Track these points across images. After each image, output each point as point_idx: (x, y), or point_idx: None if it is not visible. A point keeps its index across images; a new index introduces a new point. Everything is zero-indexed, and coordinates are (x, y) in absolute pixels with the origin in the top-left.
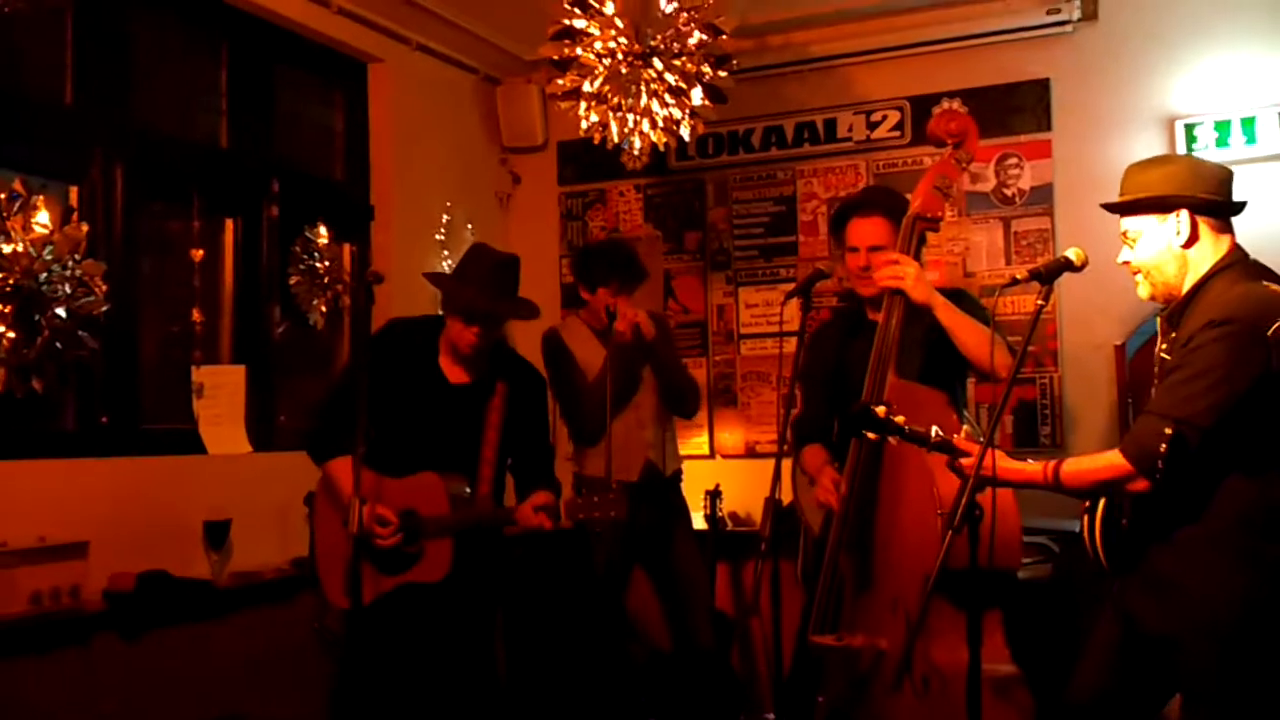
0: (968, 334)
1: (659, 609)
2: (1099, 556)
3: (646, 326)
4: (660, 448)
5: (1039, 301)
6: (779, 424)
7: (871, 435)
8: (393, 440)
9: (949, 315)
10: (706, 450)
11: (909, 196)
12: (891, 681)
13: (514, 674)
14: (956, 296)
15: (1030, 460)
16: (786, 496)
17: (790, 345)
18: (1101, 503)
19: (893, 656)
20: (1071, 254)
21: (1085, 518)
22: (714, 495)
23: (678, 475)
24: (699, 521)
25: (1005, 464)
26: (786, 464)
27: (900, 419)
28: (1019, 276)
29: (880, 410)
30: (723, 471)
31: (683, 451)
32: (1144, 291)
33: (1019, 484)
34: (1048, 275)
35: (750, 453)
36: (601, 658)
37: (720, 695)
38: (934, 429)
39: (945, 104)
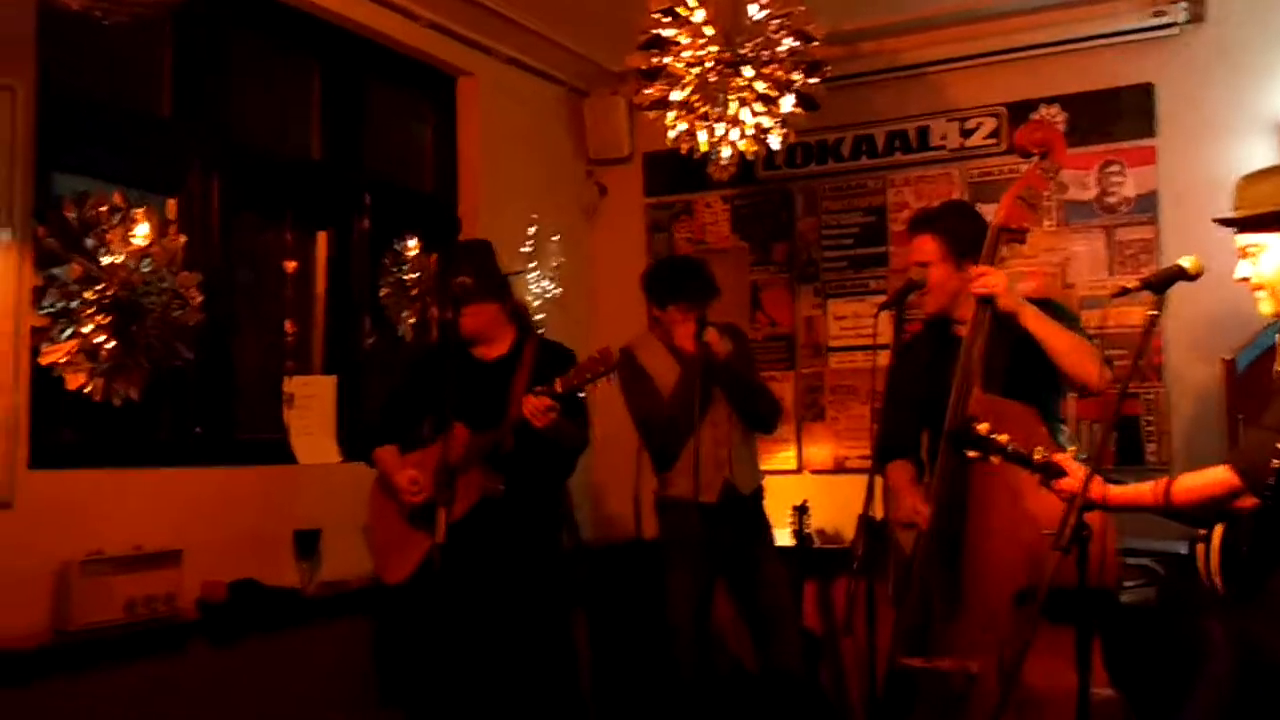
0: (1059, 342)
1: (744, 627)
2: (1215, 583)
3: (717, 345)
4: (739, 466)
5: (1151, 312)
6: (872, 439)
7: (971, 454)
8: (445, 421)
9: (1039, 324)
10: (794, 465)
11: (983, 210)
12: (987, 707)
13: (598, 683)
14: (1043, 306)
15: (1132, 482)
16: (880, 513)
17: (883, 359)
18: (1219, 527)
19: (984, 679)
20: (1186, 262)
21: (1201, 544)
22: (801, 511)
23: (759, 493)
24: (786, 538)
25: (1112, 491)
26: (879, 481)
27: (1004, 438)
28: (1129, 286)
29: (982, 428)
30: (810, 487)
31: (769, 466)
32: (1267, 308)
33: (1126, 507)
34: (1160, 284)
35: (839, 468)
36: (680, 671)
37: (808, 716)
38: (1039, 449)
39: (1043, 110)
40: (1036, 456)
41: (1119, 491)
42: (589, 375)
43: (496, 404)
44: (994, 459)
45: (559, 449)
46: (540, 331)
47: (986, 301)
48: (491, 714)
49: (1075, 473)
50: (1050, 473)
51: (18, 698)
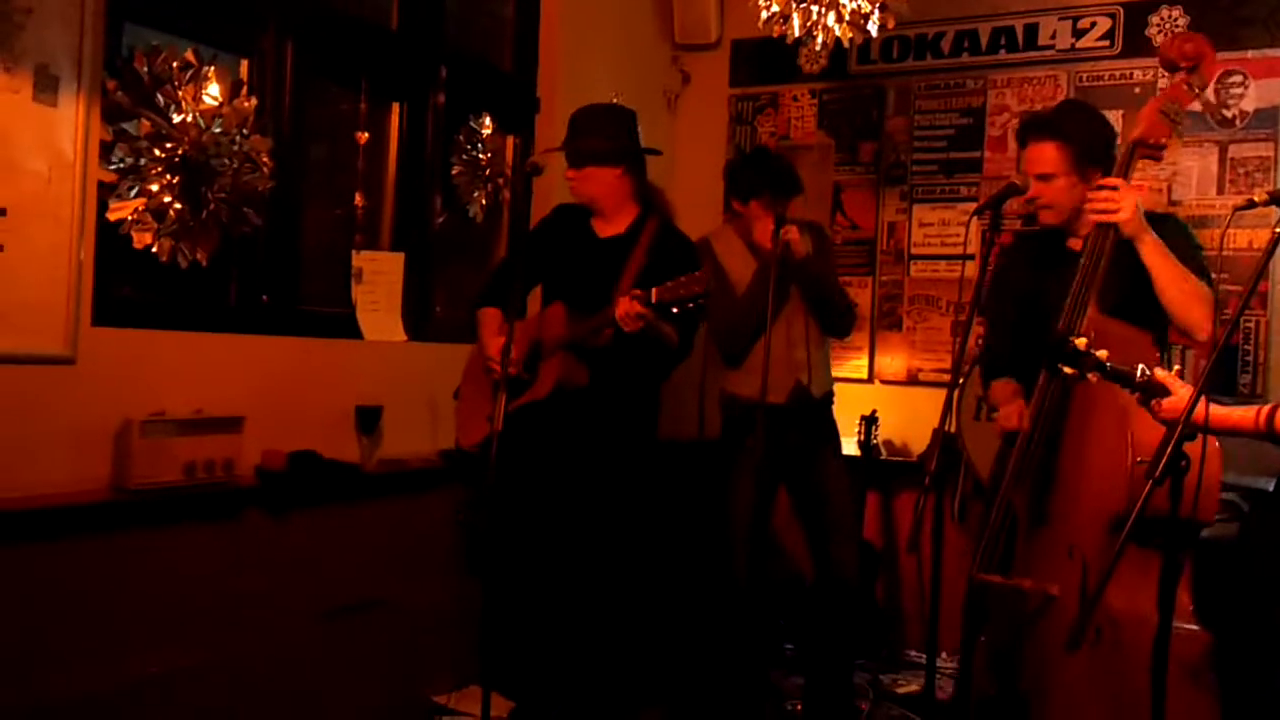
0: (1171, 283)
1: (802, 535)
2: None
3: (797, 244)
4: (811, 369)
5: (1277, 230)
6: (954, 353)
7: (1068, 370)
8: (554, 294)
9: (1156, 259)
10: (865, 375)
11: (1107, 115)
12: (1064, 631)
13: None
14: (1161, 222)
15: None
16: (954, 429)
17: (971, 269)
18: None
19: (1064, 603)
20: None
21: None
22: (869, 421)
23: (829, 398)
24: (851, 447)
25: (1216, 411)
26: (956, 395)
27: (1103, 354)
28: (1256, 199)
29: (1080, 342)
30: (881, 397)
31: (841, 374)
32: None
33: (1226, 431)
34: None
35: (912, 380)
36: (736, 575)
37: (863, 628)
38: (1140, 367)
39: (1164, 11)
40: (1138, 375)
41: (1222, 413)
42: (684, 294)
43: (603, 285)
44: (1091, 376)
45: (654, 352)
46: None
47: (1107, 225)
48: (554, 599)
49: (1179, 393)
50: (1152, 391)
51: (75, 549)
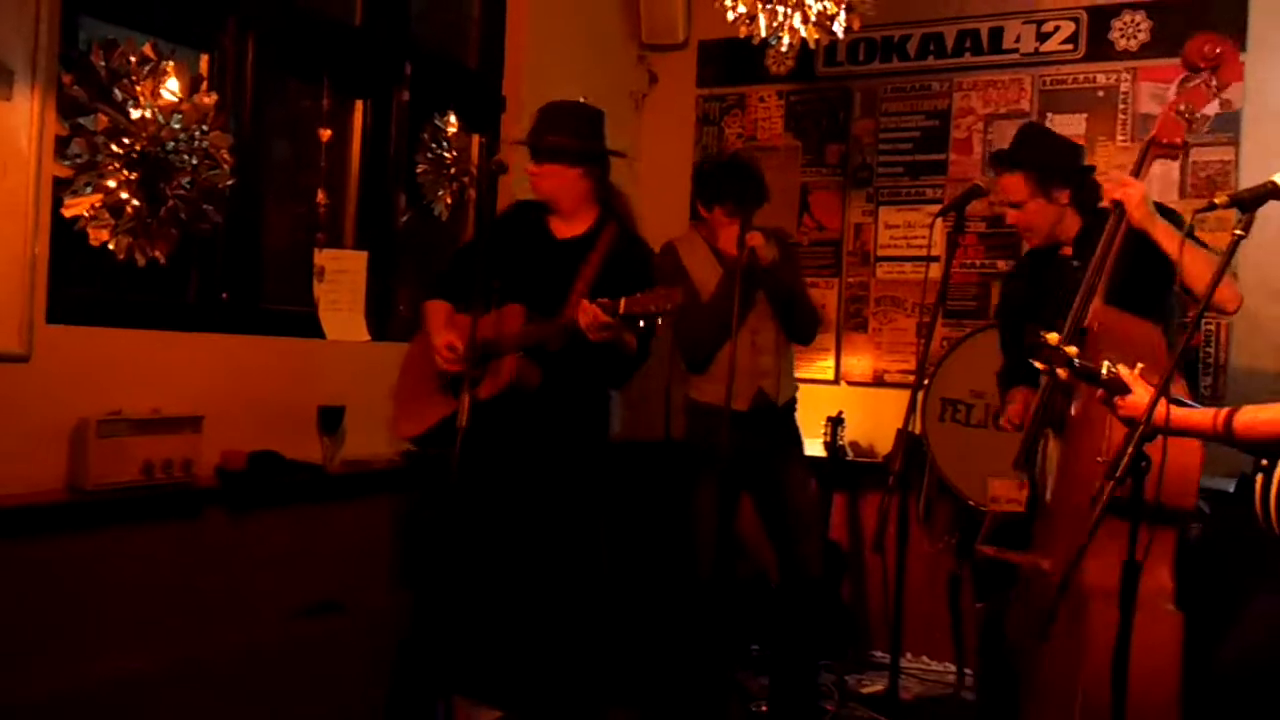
0: (1191, 263)
1: (766, 539)
2: (1271, 523)
3: (762, 251)
4: (775, 376)
5: (1237, 232)
6: (918, 354)
7: (1040, 365)
8: (506, 294)
9: (1171, 243)
10: (832, 376)
11: (1056, 121)
12: (1047, 600)
13: (615, 582)
14: (1163, 214)
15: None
16: (919, 429)
17: (936, 271)
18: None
19: (1053, 578)
20: None
21: (1260, 477)
22: (836, 422)
23: (791, 404)
24: (818, 448)
25: (1173, 411)
26: (920, 396)
27: (1072, 350)
28: (1217, 201)
29: (1051, 337)
30: (847, 399)
31: (807, 375)
32: None
33: (1184, 432)
34: (1250, 202)
35: (878, 381)
36: (700, 575)
37: (829, 629)
38: (1105, 364)
39: (1127, 16)
40: (1104, 373)
41: (1181, 415)
42: (654, 310)
43: (558, 288)
44: (1061, 372)
45: (612, 359)
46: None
47: (1119, 212)
48: (499, 605)
49: (1139, 391)
50: (1114, 389)
51: (30, 551)
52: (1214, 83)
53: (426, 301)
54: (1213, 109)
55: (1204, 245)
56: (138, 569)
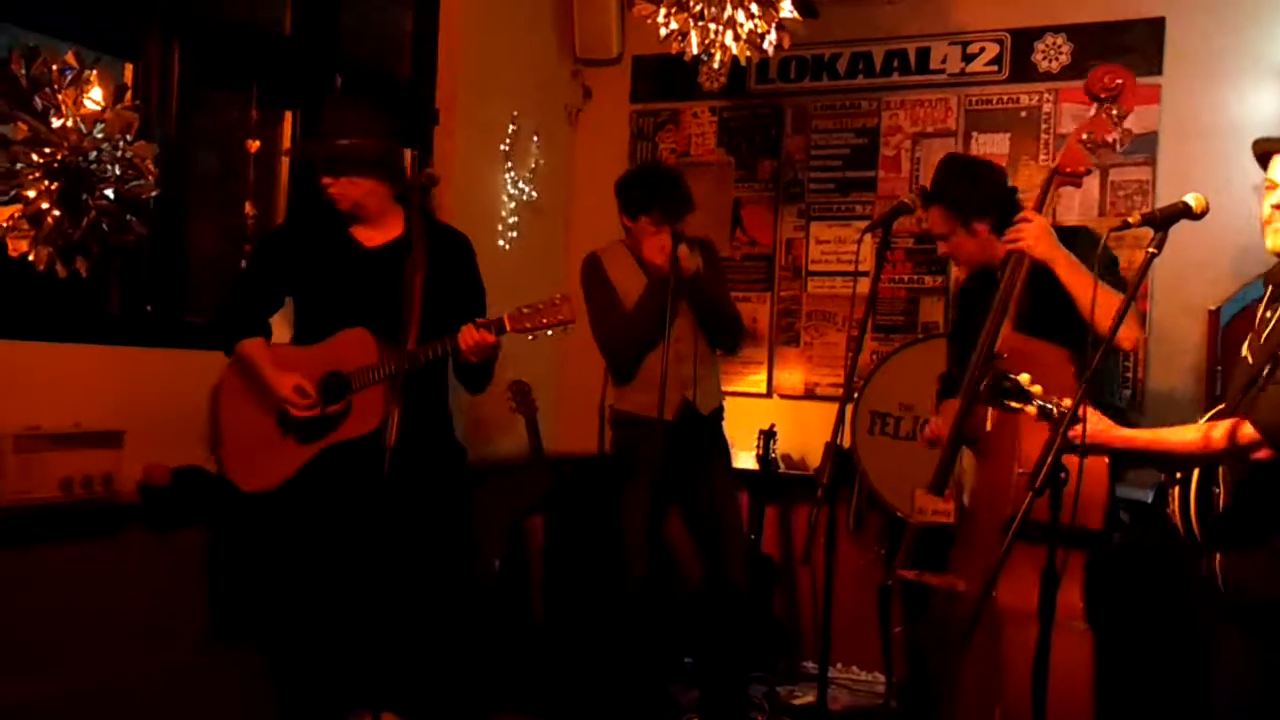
0: (1087, 298)
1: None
2: (1192, 531)
3: (686, 261)
4: (697, 385)
5: (1150, 250)
6: (846, 368)
7: (1012, 404)
8: (315, 313)
9: (1073, 277)
10: (764, 389)
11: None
12: (963, 623)
13: (552, 601)
14: (1073, 235)
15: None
16: (848, 442)
17: (863, 286)
18: (1195, 475)
19: (969, 599)
20: (1191, 200)
21: (1177, 489)
22: (768, 435)
23: (718, 413)
24: (750, 461)
25: (1121, 432)
26: (849, 409)
27: (1037, 389)
28: (1130, 220)
29: (1024, 378)
30: (780, 412)
31: (739, 388)
32: (1273, 242)
33: (1121, 449)
34: (1163, 221)
35: (809, 394)
36: (629, 585)
37: (760, 641)
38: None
39: (1049, 39)
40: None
41: (1122, 433)
42: (544, 321)
43: (384, 302)
44: (1029, 410)
45: (480, 374)
46: (435, 215)
47: (1018, 258)
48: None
49: (1092, 419)
50: (1050, 419)
51: None
52: (1114, 112)
53: (239, 344)
54: (1136, 127)
55: (1117, 276)
56: (56, 588)
